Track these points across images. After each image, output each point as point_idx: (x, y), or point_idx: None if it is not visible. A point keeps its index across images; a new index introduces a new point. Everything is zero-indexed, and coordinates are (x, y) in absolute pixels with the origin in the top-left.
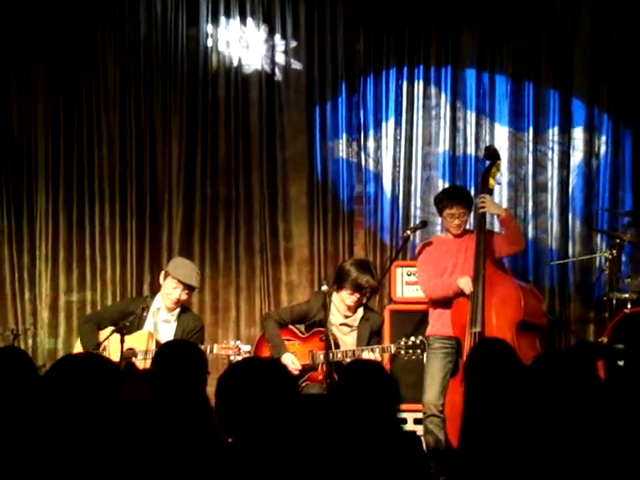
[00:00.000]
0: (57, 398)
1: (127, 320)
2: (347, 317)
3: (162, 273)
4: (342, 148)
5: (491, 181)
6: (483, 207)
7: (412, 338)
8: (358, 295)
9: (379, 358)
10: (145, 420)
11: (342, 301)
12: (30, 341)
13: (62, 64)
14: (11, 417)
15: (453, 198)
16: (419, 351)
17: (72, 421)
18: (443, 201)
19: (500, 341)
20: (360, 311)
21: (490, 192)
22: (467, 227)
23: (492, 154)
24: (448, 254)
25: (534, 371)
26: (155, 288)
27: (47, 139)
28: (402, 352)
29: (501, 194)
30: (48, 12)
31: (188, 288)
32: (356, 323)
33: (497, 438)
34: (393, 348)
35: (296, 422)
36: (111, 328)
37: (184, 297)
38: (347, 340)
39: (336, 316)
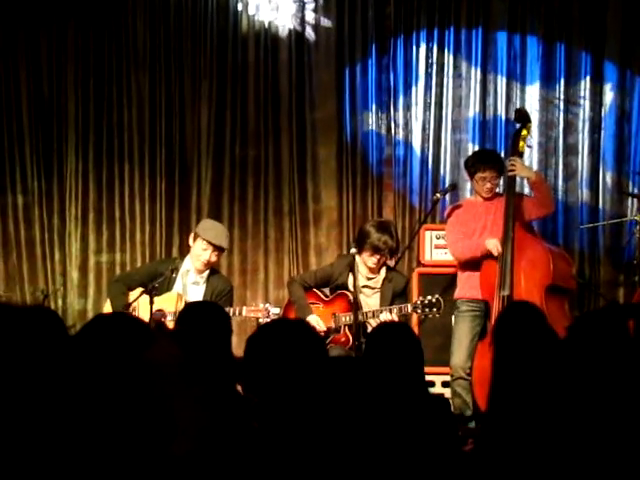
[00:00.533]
0: (88, 357)
1: (156, 281)
2: (369, 279)
3: (191, 235)
4: (372, 111)
5: (521, 144)
6: (513, 170)
7: (428, 297)
8: (377, 256)
9: (396, 318)
10: (175, 379)
11: (364, 263)
12: (60, 301)
13: (92, 26)
14: (42, 376)
15: (485, 162)
16: (435, 309)
17: (104, 379)
18: (475, 164)
19: (529, 304)
20: (382, 272)
21: (520, 155)
22: (497, 191)
23: (522, 117)
24: (477, 217)
25: (569, 337)
26: (184, 250)
27: (77, 101)
28: (419, 311)
29: (532, 156)
30: None
31: (218, 249)
32: (379, 285)
33: (525, 402)
34: (410, 307)
35: (324, 383)
36: (140, 289)
37: (214, 259)
38: (370, 302)
39: (359, 278)
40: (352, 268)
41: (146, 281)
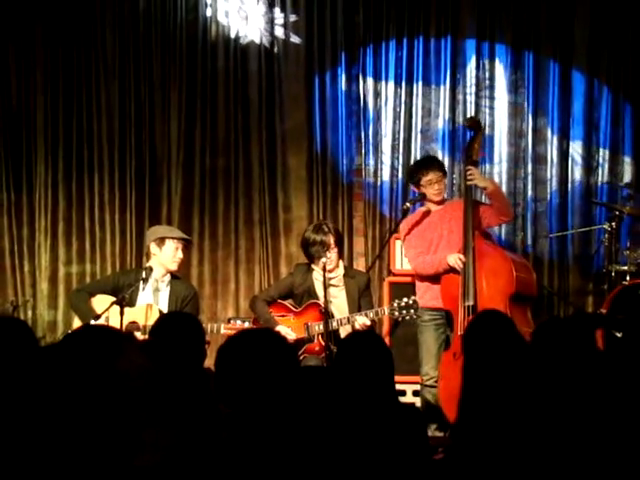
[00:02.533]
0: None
1: (126, 292)
2: (331, 278)
3: (152, 244)
4: (341, 120)
5: (475, 153)
6: (472, 179)
7: (405, 299)
8: (326, 254)
9: (368, 324)
10: (143, 390)
11: (321, 268)
12: (30, 313)
13: (60, 34)
14: (11, 387)
15: (426, 165)
16: (412, 311)
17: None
18: (418, 170)
19: (498, 313)
20: (340, 269)
21: (476, 164)
22: (445, 196)
23: (474, 124)
24: (432, 226)
25: (534, 341)
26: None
27: (46, 111)
28: (396, 313)
29: (500, 166)
30: None
31: (185, 244)
32: (341, 282)
33: (496, 410)
34: (387, 310)
35: (296, 393)
36: (110, 299)
37: (183, 256)
38: (337, 302)
39: (320, 280)
40: (324, 281)
41: (108, 291)
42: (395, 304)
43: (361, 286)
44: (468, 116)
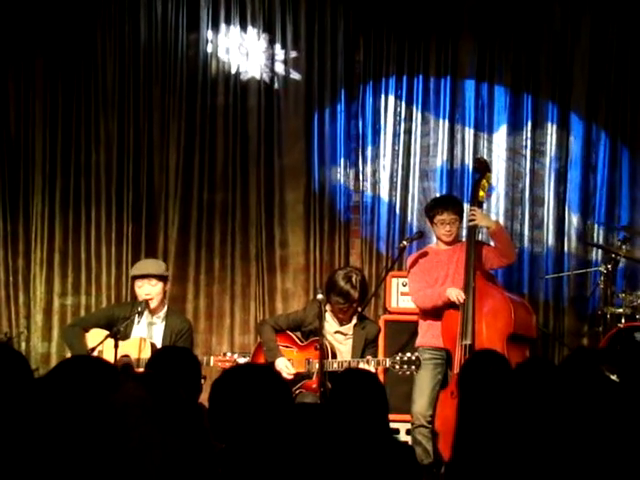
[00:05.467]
0: (54, 398)
1: (121, 325)
2: (342, 325)
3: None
4: (340, 157)
5: (481, 194)
6: (473, 219)
7: (408, 354)
8: (342, 306)
9: (373, 370)
10: (141, 421)
11: (331, 310)
12: (23, 344)
13: (61, 66)
14: (6, 416)
15: (444, 204)
16: (414, 367)
17: (68, 422)
18: (434, 208)
19: (494, 352)
20: (354, 319)
21: (480, 205)
22: (458, 237)
23: (482, 166)
24: (439, 265)
25: (520, 379)
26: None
27: (45, 141)
28: (397, 367)
29: (498, 206)
30: (48, 13)
31: (149, 278)
32: (350, 331)
33: (490, 451)
34: (388, 362)
35: (289, 429)
36: (104, 332)
37: (156, 289)
38: (342, 348)
39: (331, 324)
40: (320, 313)
41: (102, 324)
42: (398, 358)
43: (369, 337)
44: (477, 156)
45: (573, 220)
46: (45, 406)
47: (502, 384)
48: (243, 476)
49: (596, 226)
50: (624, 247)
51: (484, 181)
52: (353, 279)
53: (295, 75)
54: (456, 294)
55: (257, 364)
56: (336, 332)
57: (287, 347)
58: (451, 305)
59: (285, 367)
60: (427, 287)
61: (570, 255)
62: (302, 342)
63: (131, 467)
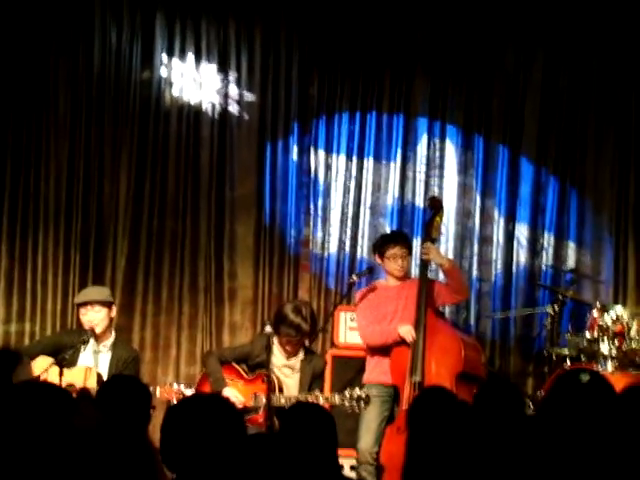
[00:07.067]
0: (15, 424)
1: (66, 353)
2: (289, 359)
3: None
4: (291, 191)
5: (434, 231)
6: (427, 254)
7: (357, 390)
8: (292, 339)
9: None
10: (99, 445)
11: (280, 344)
12: None
13: (12, 91)
14: None
15: (394, 239)
16: (363, 404)
17: (33, 447)
18: (385, 243)
19: (443, 389)
20: (301, 354)
21: (433, 241)
22: (407, 273)
23: (436, 204)
24: (388, 300)
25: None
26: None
27: None
28: (346, 404)
29: (447, 245)
30: None
31: (92, 304)
32: (298, 365)
33: None
34: (337, 398)
35: (241, 459)
36: (49, 360)
37: (99, 315)
38: (289, 382)
39: (278, 357)
40: (268, 346)
41: (48, 351)
42: (347, 394)
43: (316, 371)
44: (431, 195)
45: (521, 260)
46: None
47: (451, 421)
48: None
49: (543, 267)
50: (571, 288)
51: (437, 218)
52: (303, 311)
53: (248, 108)
54: (407, 331)
55: (212, 394)
56: (284, 366)
57: (232, 380)
58: (401, 342)
59: (234, 397)
60: (375, 323)
61: (517, 294)
62: (248, 375)
63: None
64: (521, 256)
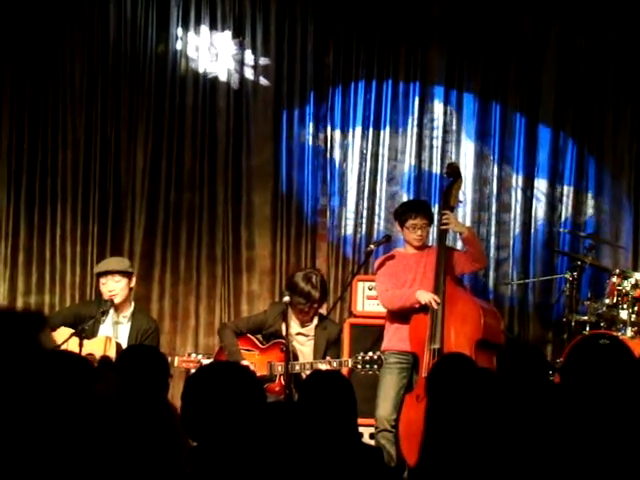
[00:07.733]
0: (37, 391)
1: (86, 324)
2: (303, 326)
3: None
4: (308, 160)
5: (453, 199)
6: (446, 224)
7: (370, 353)
8: (304, 307)
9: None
10: (119, 412)
11: (292, 312)
12: None
13: (28, 65)
14: None
15: (416, 209)
16: (376, 367)
17: (55, 415)
18: (406, 212)
19: (462, 356)
20: (315, 320)
21: (452, 209)
22: (426, 242)
23: (454, 172)
24: (407, 268)
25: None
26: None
27: (11, 138)
28: (359, 366)
29: (465, 211)
30: (15, 12)
31: (112, 274)
32: (312, 332)
33: (458, 454)
34: (350, 362)
35: (262, 428)
36: (68, 331)
37: (119, 285)
38: (304, 350)
39: (292, 326)
40: (285, 316)
41: (69, 322)
42: (360, 357)
43: (331, 338)
44: (450, 162)
45: (539, 226)
46: (27, 400)
47: (471, 387)
48: (213, 475)
49: (562, 233)
50: (589, 255)
51: (456, 186)
52: (313, 279)
53: (264, 81)
54: (429, 297)
55: (232, 361)
56: (298, 334)
57: (248, 350)
58: (419, 309)
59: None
60: (395, 288)
61: (536, 261)
62: (263, 345)
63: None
64: (539, 222)
